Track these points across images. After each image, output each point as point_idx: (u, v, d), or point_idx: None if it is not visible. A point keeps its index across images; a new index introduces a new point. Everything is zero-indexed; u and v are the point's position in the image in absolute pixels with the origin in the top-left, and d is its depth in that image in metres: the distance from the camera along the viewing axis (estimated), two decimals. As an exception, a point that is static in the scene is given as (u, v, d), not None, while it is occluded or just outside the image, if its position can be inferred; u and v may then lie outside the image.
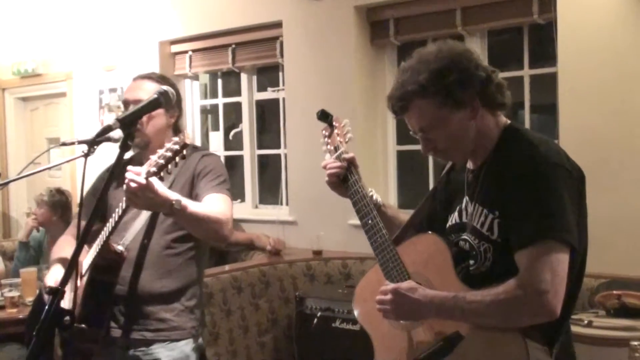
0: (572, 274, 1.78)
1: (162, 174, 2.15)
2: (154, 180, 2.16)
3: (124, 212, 2.34)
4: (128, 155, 1.83)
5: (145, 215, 2.52)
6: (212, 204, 2.45)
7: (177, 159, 2.14)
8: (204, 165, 2.56)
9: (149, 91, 2.53)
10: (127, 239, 2.50)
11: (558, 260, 1.74)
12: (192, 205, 2.32)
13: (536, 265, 1.73)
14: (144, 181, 2.13)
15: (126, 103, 2.59)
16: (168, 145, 2.13)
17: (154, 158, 2.15)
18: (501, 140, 1.92)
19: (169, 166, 2.15)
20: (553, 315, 1.74)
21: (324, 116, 2.32)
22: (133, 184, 2.13)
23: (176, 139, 2.14)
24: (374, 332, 2.10)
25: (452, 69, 1.86)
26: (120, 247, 2.47)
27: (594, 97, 3.85)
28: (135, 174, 2.13)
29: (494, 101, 1.91)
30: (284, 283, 4.53)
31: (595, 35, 3.84)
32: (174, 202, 2.23)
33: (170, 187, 2.48)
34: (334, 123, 2.30)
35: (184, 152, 2.15)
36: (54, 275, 2.48)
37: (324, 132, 2.32)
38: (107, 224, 2.39)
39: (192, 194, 2.51)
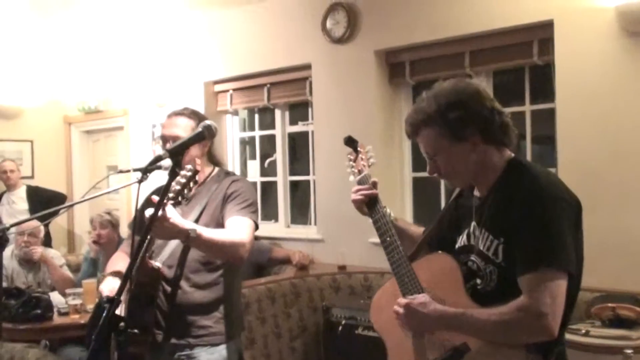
0: (568, 297, 1.74)
1: (179, 198, 2.15)
2: (171, 211, 2.16)
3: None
4: (164, 181, 1.84)
5: None
6: (232, 227, 2.43)
7: (191, 184, 2.16)
8: (233, 190, 2.55)
9: (183, 127, 2.57)
10: (164, 256, 2.49)
11: (557, 286, 1.71)
12: (206, 233, 2.30)
13: (537, 290, 1.70)
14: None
15: (164, 139, 2.60)
16: (182, 172, 2.14)
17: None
18: (505, 172, 1.89)
19: (185, 191, 2.16)
20: (552, 335, 1.72)
21: (350, 142, 2.29)
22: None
23: (189, 166, 2.16)
24: (388, 339, 2.06)
25: (458, 106, 1.84)
26: (157, 264, 2.44)
27: (589, 130, 3.81)
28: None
29: (496, 139, 1.88)
30: (313, 294, 4.51)
31: (589, 74, 3.81)
32: (189, 231, 2.23)
33: (202, 210, 2.51)
34: (358, 148, 2.27)
35: (196, 178, 2.18)
36: (107, 285, 2.49)
37: (349, 156, 2.28)
38: (143, 245, 2.38)
39: (221, 216, 2.51)
